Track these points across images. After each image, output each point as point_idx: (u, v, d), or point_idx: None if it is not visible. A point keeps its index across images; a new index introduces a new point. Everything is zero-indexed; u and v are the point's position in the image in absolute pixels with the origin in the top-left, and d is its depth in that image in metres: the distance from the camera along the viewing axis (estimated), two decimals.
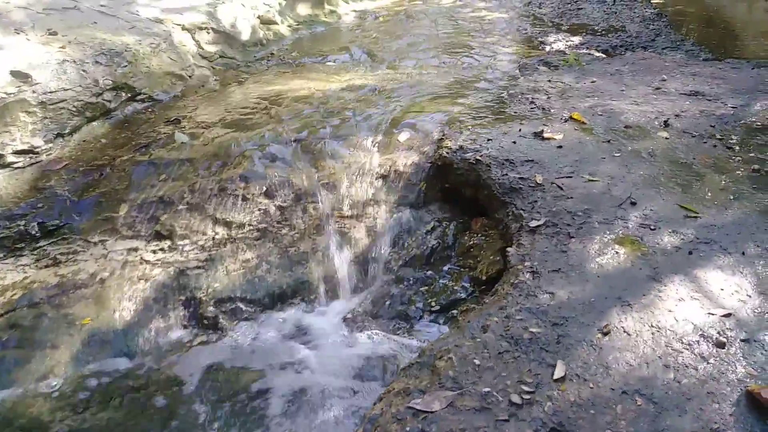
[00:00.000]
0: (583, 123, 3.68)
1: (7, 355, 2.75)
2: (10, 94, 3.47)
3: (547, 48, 5.83)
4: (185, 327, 3.02)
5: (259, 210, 3.36)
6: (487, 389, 1.93)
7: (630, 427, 1.76)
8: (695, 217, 2.73)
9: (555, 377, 1.94)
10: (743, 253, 2.47)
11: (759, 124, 3.59)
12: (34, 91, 3.60)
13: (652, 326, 2.13)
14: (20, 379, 2.69)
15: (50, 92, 3.68)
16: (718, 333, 2.08)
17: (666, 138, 3.47)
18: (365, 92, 4.56)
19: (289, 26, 6.57)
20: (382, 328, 2.94)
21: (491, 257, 3.02)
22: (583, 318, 2.18)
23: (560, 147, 3.37)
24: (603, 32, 6.22)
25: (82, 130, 3.88)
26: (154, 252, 3.19)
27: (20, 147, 3.52)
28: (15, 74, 3.56)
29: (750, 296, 2.25)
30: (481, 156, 3.30)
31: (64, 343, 2.82)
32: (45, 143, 3.63)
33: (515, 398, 1.88)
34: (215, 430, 2.46)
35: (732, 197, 2.90)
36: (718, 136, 3.48)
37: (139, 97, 4.32)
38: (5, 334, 2.81)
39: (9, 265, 3.09)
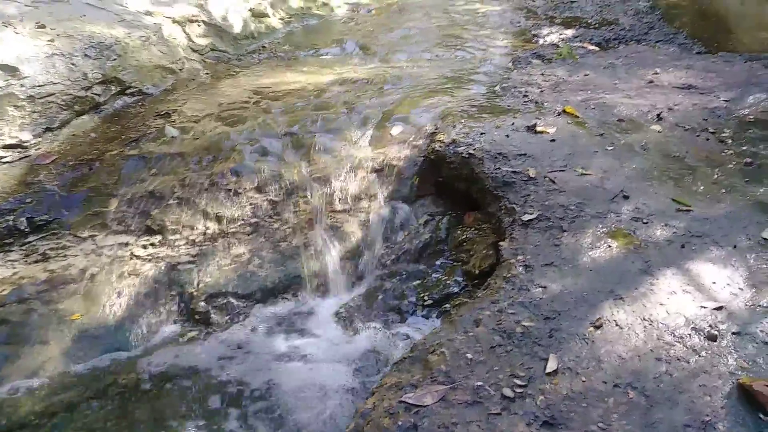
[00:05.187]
0: (576, 116, 3.67)
1: None
2: None
3: (541, 41, 5.81)
4: (176, 322, 3.01)
5: (251, 204, 3.34)
6: (479, 383, 1.92)
7: (622, 420, 1.76)
8: (687, 210, 2.73)
9: (547, 371, 1.94)
10: (735, 246, 2.47)
11: (751, 117, 3.59)
12: (22, 85, 3.57)
13: (644, 319, 2.13)
14: (10, 376, 2.67)
15: (39, 86, 3.65)
16: (710, 326, 2.08)
17: (659, 131, 3.47)
18: (358, 86, 4.53)
19: (281, 19, 6.53)
20: (375, 322, 2.94)
21: (484, 251, 3.01)
22: (575, 311, 2.18)
23: (553, 140, 3.36)
24: (596, 25, 6.20)
25: (71, 124, 3.85)
26: (144, 247, 3.17)
27: (8, 141, 3.48)
28: (3, 68, 3.52)
29: (742, 289, 2.25)
30: (473, 150, 3.29)
31: (54, 339, 2.80)
32: (34, 138, 3.59)
33: (507, 392, 1.88)
34: (207, 426, 2.45)
35: (724, 190, 2.90)
36: (711, 130, 3.47)
37: (128, 91, 4.28)
38: None
39: None
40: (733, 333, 2.05)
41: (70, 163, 3.53)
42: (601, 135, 3.43)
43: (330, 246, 3.27)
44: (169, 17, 5.11)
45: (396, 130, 3.72)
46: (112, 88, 4.16)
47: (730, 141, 3.35)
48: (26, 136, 3.55)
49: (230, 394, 2.59)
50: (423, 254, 3.26)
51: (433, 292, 3.02)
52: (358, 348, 2.79)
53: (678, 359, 1.96)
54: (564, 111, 3.73)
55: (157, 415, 2.51)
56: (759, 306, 2.16)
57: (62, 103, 3.78)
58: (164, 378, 2.70)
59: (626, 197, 2.83)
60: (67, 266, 3.04)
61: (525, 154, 3.22)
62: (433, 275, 3.13)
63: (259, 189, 3.39)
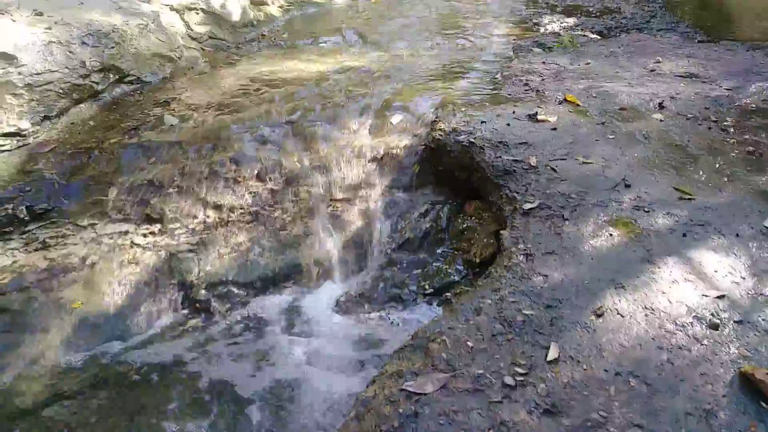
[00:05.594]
0: (578, 105, 3.65)
1: None
2: None
3: (542, 29, 5.78)
4: (177, 311, 3.01)
5: (251, 193, 3.33)
6: (480, 371, 1.92)
7: (623, 408, 1.76)
8: (689, 198, 2.72)
9: (548, 359, 1.94)
10: (737, 235, 2.47)
11: (753, 106, 3.58)
12: (20, 73, 3.54)
13: (645, 308, 2.12)
14: (11, 364, 2.67)
15: (37, 74, 3.62)
16: (712, 314, 2.08)
17: (660, 120, 3.46)
18: (358, 74, 4.51)
19: (280, 7, 6.48)
20: (376, 311, 2.94)
21: (485, 240, 3.01)
22: (576, 300, 2.18)
23: (554, 129, 3.35)
24: (598, 13, 6.17)
25: (69, 113, 3.82)
26: (144, 235, 3.16)
27: (7, 130, 3.46)
28: (0, 56, 3.50)
29: (744, 278, 2.25)
30: (474, 138, 3.27)
31: (55, 327, 2.80)
32: (32, 126, 3.57)
33: (508, 380, 1.88)
34: (207, 414, 2.46)
35: (726, 179, 2.89)
36: (713, 118, 3.46)
37: (127, 79, 4.26)
38: None
39: None
40: (735, 322, 2.05)
41: (69, 152, 3.51)
42: (603, 123, 3.41)
43: (330, 235, 3.26)
44: (167, 5, 5.07)
45: (396, 118, 3.70)
46: (111, 76, 4.13)
47: (732, 130, 3.34)
48: (25, 124, 3.53)
49: (230, 382, 2.59)
50: (424, 243, 3.25)
51: (434, 280, 3.01)
52: (359, 336, 2.79)
53: (680, 348, 1.96)
54: (565, 99, 3.71)
55: (157, 404, 2.51)
56: (761, 295, 2.16)
57: (60, 91, 3.75)
58: (164, 366, 2.70)
59: (628, 186, 2.82)
60: (67, 255, 3.03)
61: (526, 143, 3.21)
62: (434, 264, 3.12)
63: (259, 177, 3.38)
